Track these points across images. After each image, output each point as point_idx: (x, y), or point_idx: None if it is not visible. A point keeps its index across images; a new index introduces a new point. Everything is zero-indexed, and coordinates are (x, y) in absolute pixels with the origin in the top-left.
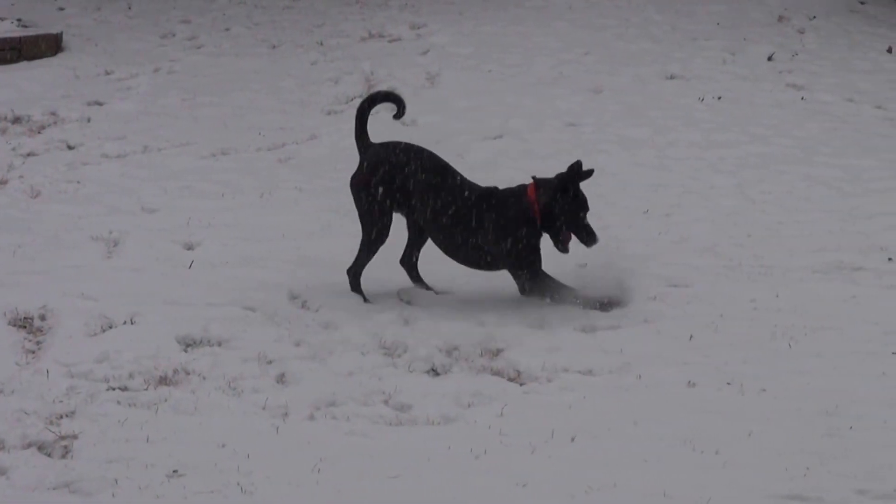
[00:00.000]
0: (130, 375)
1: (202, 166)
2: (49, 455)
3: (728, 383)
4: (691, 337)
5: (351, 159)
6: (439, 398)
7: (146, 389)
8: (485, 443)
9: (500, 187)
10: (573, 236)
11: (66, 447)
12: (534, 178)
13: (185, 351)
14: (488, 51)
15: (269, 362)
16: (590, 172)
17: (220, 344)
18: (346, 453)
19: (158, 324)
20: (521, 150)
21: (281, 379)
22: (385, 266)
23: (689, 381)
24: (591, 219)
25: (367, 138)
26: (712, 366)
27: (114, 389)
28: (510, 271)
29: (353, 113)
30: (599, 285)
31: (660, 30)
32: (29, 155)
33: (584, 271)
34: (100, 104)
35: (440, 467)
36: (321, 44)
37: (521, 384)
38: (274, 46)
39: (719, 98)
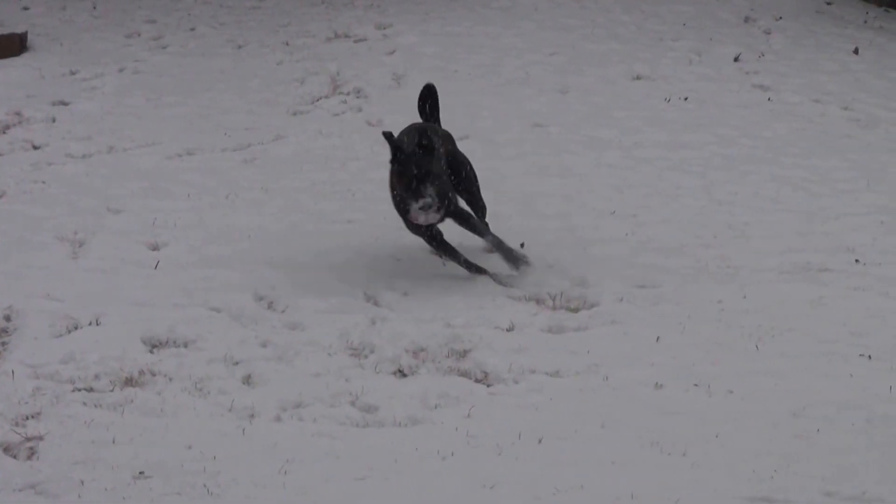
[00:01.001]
0: (96, 376)
1: (168, 167)
2: (14, 457)
3: (695, 384)
4: (658, 338)
5: (317, 160)
6: (406, 399)
7: (112, 391)
8: (452, 444)
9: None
10: None
11: (31, 448)
12: None
13: (151, 352)
14: (455, 51)
15: (236, 363)
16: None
17: (185, 345)
18: (312, 455)
19: (124, 325)
20: (488, 150)
21: (247, 380)
22: (351, 267)
23: (657, 383)
24: (558, 219)
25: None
26: (680, 367)
27: (80, 390)
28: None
29: (320, 114)
30: (565, 284)
31: (626, 30)
32: None
33: (552, 270)
34: (65, 104)
35: (407, 469)
36: (287, 44)
37: (487, 385)
38: (240, 46)
39: (686, 99)
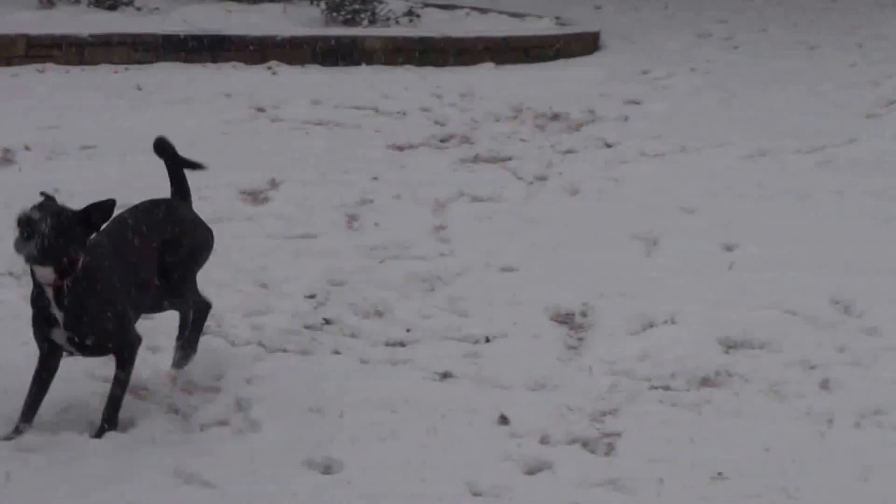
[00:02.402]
0: (672, 375)
1: (739, 167)
2: (593, 452)
3: None
4: None
5: (893, 164)
6: None
7: (688, 390)
8: None
9: None
10: None
11: (609, 444)
12: None
13: (726, 353)
14: None
15: (812, 367)
16: None
17: (761, 347)
18: (893, 463)
19: (699, 324)
20: None
21: (824, 384)
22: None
23: None
24: None
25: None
26: None
27: (656, 389)
28: None
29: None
30: None
31: None
32: (567, 152)
33: None
34: (637, 103)
35: None
36: (860, 46)
37: None
38: (812, 47)
39: None
